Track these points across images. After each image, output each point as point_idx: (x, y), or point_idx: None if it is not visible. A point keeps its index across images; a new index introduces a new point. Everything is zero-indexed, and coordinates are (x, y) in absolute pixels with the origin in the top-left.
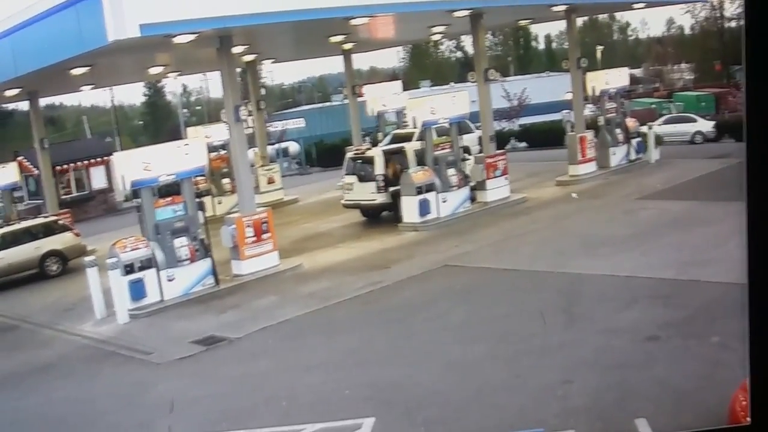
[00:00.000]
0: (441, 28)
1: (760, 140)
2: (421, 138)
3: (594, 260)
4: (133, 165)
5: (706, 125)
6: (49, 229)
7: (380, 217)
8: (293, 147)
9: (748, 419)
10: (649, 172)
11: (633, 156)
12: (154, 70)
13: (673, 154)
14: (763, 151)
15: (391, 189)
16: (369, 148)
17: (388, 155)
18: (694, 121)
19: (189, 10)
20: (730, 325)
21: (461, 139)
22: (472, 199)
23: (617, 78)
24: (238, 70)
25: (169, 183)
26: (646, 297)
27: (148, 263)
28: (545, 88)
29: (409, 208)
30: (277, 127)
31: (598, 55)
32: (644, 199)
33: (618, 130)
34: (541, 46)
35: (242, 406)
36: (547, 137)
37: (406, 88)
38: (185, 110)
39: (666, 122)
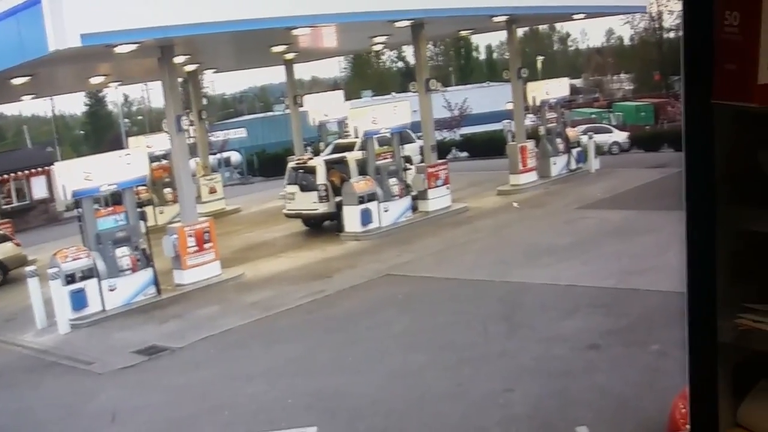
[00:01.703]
0: (382, 39)
1: (699, 149)
2: (362, 148)
3: (535, 269)
4: (75, 175)
5: (621, 136)
6: None
7: (322, 227)
8: (235, 157)
9: (688, 427)
10: (589, 181)
11: (573, 165)
12: (95, 80)
13: (613, 163)
14: (701, 161)
15: (337, 198)
16: (311, 158)
17: (330, 165)
18: (610, 131)
19: (130, 20)
20: (669, 333)
21: (403, 148)
22: (414, 209)
23: (557, 88)
24: (180, 79)
25: (114, 192)
26: (587, 306)
27: (89, 273)
28: (486, 98)
29: (350, 217)
30: (218, 136)
31: (539, 65)
32: (585, 209)
33: (558, 140)
34: (482, 56)
35: (184, 415)
36: (488, 147)
37: (347, 98)
38: (126, 120)
39: (583, 133)
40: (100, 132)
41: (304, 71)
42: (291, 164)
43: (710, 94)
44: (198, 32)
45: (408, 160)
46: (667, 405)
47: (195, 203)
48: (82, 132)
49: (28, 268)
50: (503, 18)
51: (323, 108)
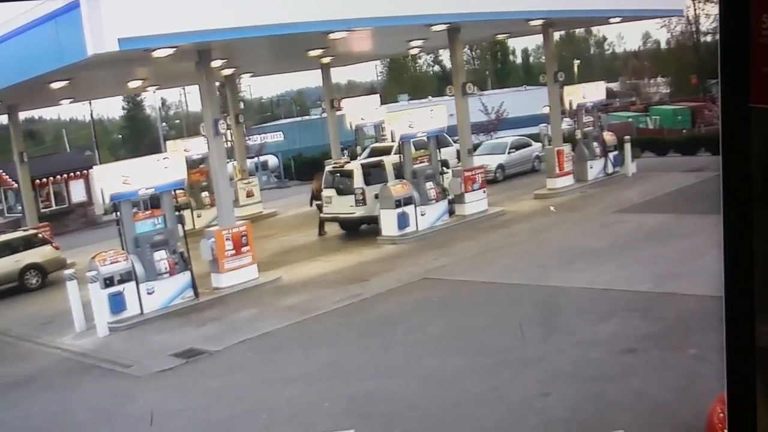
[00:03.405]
0: (419, 42)
1: (736, 153)
2: (399, 151)
3: (572, 273)
4: (113, 178)
5: (531, 152)
6: (29, 243)
7: (359, 231)
8: (272, 160)
9: (726, 431)
10: (626, 185)
11: (610, 169)
12: (133, 84)
13: (650, 167)
14: (738, 165)
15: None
16: (347, 162)
17: (367, 168)
18: (530, 145)
19: (168, 24)
20: (707, 338)
21: (439, 152)
22: (451, 213)
23: (594, 92)
24: (217, 83)
25: (152, 196)
26: (624, 309)
27: (127, 276)
28: (523, 101)
29: (387, 221)
30: (255, 140)
31: (575, 69)
32: (622, 212)
33: (595, 144)
34: (519, 60)
35: (222, 418)
36: None
37: (384, 101)
38: (164, 124)
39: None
40: (138, 136)
41: (340, 75)
42: (328, 168)
43: (748, 98)
44: (235, 36)
45: (445, 163)
46: (705, 409)
47: (232, 207)
48: (120, 136)
49: (66, 272)
50: (539, 22)
51: (360, 112)
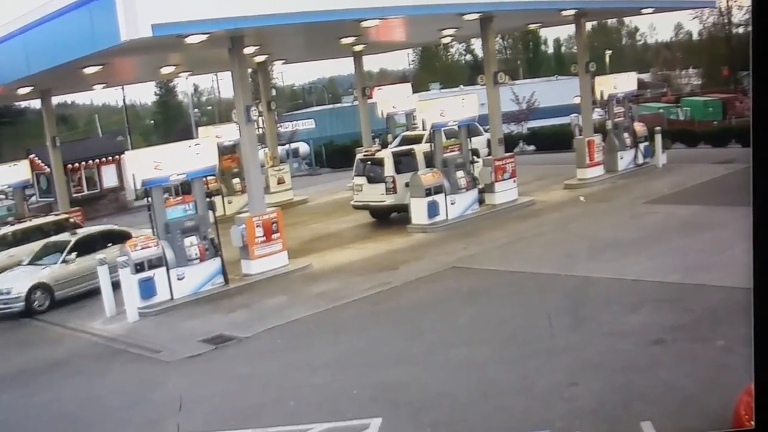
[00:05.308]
0: (451, 31)
1: (767, 145)
2: (430, 140)
3: (601, 263)
4: (144, 164)
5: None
6: (60, 227)
7: (389, 219)
8: (303, 148)
9: (752, 423)
10: (656, 176)
11: (640, 160)
12: (165, 70)
13: (680, 158)
14: None
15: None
16: (378, 150)
17: (398, 157)
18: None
19: (201, 10)
20: (735, 329)
21: (470, 141)
22: (481, 202)
23: (625, 82)
24: (249, 70)
25: (183, 182)
26: (652, 300)
27: (158, 262)
28: (554, 91)
29: (417, 209)
30: (287, 127)
31: (607, 59)
32: (651, 203)
33: (626, 135)
34: (551, 49)
35: (250, 405)
36: (555, 141)
37: (415, 90)
38: (196, 110)
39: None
40: (170, 121)
41: (372, 63)
42: (359, 156)
43: None
44: (268, 23)
45: (475, 152)
46: (732, 401)
47: (263, 194)
48: (152, 121)
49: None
50: (572, 12)
51: (391, 100)
